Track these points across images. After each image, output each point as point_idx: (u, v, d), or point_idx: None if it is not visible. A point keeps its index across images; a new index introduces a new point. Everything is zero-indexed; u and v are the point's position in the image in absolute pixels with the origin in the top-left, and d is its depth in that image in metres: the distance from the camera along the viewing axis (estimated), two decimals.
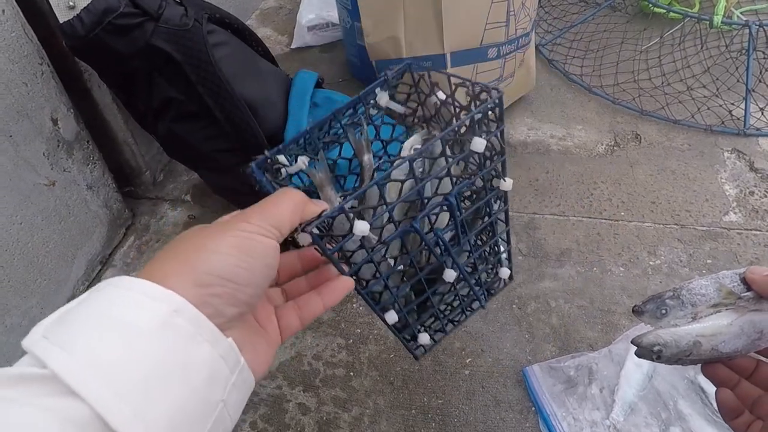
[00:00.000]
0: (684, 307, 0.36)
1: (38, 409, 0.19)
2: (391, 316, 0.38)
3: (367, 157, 0.36)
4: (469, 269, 0.43)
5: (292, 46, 1.25)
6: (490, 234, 0.43)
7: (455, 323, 0.46)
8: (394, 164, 0.33)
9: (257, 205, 0.28)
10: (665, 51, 1.11)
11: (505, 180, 0.38)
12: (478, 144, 0.33)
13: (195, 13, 0.61)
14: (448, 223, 0.37)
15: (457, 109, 0.38)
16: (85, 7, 0.56)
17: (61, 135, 0.70)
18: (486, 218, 0.40)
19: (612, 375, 0.62)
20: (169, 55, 0.59)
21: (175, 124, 0.67)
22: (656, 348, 0.36)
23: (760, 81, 1.03)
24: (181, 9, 0.61)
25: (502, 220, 0.42)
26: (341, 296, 0.32)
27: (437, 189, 0.35)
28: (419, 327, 0.43)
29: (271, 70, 0.74)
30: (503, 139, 0.36)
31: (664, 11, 1.16)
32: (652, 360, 0.36)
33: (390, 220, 0.34)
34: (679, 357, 0.36)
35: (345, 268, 0.33)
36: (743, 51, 1.06)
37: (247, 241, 0.26)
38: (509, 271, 0.46)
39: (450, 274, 0.38)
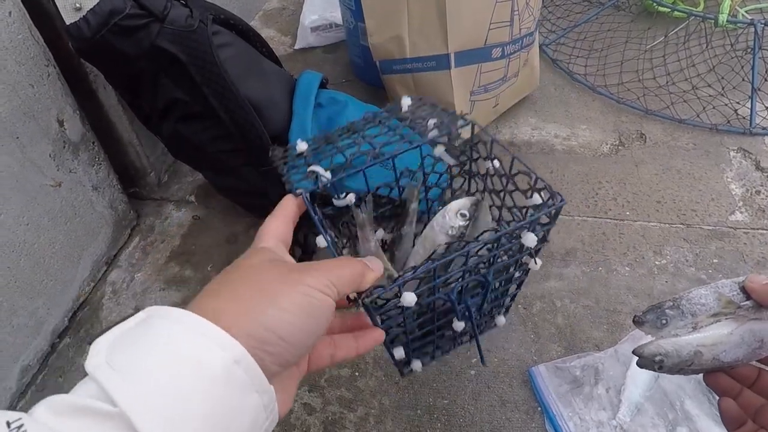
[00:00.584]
0: (684, 317, 0.36)
1: None
2: (399, 352, 0.40)
3: (414, 206, 0.38)
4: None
5: (296, 47, 1.25)
6: (503, 294, 0.46)
7: (445, 352, 0.49)
8: (452, 246, 0.34)
9: (321, 262, 0.29)
10: (670, 50, 1.10)
11: (536, 262, 0.40)
12: (530, 240, 0.35)
13: (200, 14, 0.62)
14: (477, 293, 0.40)
15: (509, 185, 0.41)
16: (91, 9, 0.56)
17: (67, 136, 0.70)
18: (504, 283, 0.43)
19: (618, 375, 0.62)
20: (175, 56, 0.60)
21: (179, 124, 0.67)
22: (658, 358, 0.36)
23: (765, 80, 1.03)
24: (186, 10, 0.62)
25: (517, 285, 0.46)
26: (372, 346, 0.34)
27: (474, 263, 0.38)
28: (415, 355, 0.46)
29: (275, 70, 0.74)
30: (549, 233, 0.39)
31: (669, 10, 1.16)
32: (654, 370, 0.36)
33: (432, 291, 0.35)
34: (681, 367, 0.36)
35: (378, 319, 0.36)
36: (749, 50, 1.05)
37: (309, 299, 0.26)
38: (504, 320, 0.49)
39: (459, 326, 0.41)
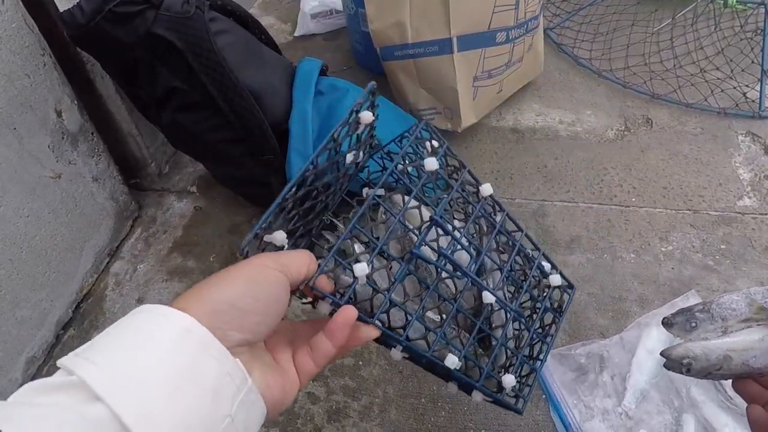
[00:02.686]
0: (714, 321, 0.36)
1: (69, 412, 0.21)
2: (451, 360, 0.37)
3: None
4: (513, 290, 0.45)
5: (296, 34, 1.23)
6: (511, 246, 0.45)
7: (540, 359, 0.46)
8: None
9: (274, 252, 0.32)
10: (677, 33, 1.08)
11: (482, 185, 0.44)
12: (430, 163, 0.39)
13: (196, 1, 0.60)
14: (451, 242, 0.39)
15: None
16: None
17: (66, 127, 0.70)
18: (494, 229, 0.44)
19: (623, 362, 0.61)
20: (171, 44, 0.59)
21: (178, 114, 0.67)
22: (686, 361, 0.36)
23: None
24: None
25: (515, 230, 0.46)
26: (343, 325, 0.32)
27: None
28: (498, 370, 0.42)
29: (274, 58, 0.73)
30: (455, 154, 0.43)
31: None
32: (682, 373, 0.36)
33: (390, 257, 0.36)
34: (709, 371, 0.35)
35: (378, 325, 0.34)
36: (758, 31, 1.03)
37: (255, 271, 0.29)
38: (559, 276, 0.48)
39: (488, 296, 0.40)
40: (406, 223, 0.38)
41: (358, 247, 0.36)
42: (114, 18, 0.56)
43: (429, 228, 0.38)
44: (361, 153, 0.42)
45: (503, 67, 0.88)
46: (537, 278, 0.48)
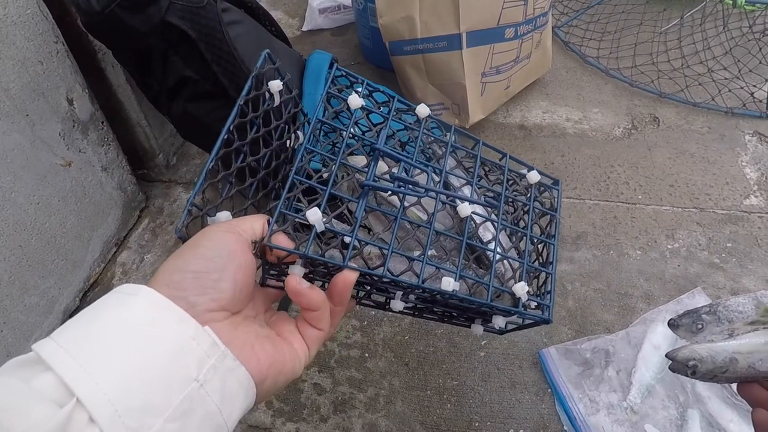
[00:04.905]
0: (720, 323, 0.36)
1: (19, 381, 0.22)
2: (447, 282, 0.34)
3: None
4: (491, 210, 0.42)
5: (303, 29, 1.23)
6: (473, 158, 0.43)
7: (551, 262, 0.42)
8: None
9: None
10: (685, 32, 1.08)
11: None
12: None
13: None
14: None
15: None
16: None
17: (77, 115, 0.70)
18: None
19: (629, 357, 0.62)
20: (184, 33, 0.59)
21: (189, 104, 0.67)
22: (691, 363, 0.35)
23: None
24: None
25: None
26: (343, 291, 0.32)
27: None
28: (506, 283, 0.38)
29: (285, 50, 0.73)
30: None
31: None
32: (687, 375, 0.36)
33: (344, 200, 0.34)
34: (715, 373, 0.35)
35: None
36: (766, 32, 1.03)
37: (203, 236, 0.29)
38: (537, 173, 0.46)
39: (464, 208, 0.37)
40: (352, 162, 0.36)
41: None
42: (129, 6, 0.56)
43: (375, 160, 0.36)
44: (300, 134, 0.40)
45: (511, 63, 0.89)
46: (512, 180, 0.45)
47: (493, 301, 0.36)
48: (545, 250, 0.44)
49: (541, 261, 0.44)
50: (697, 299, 0.67)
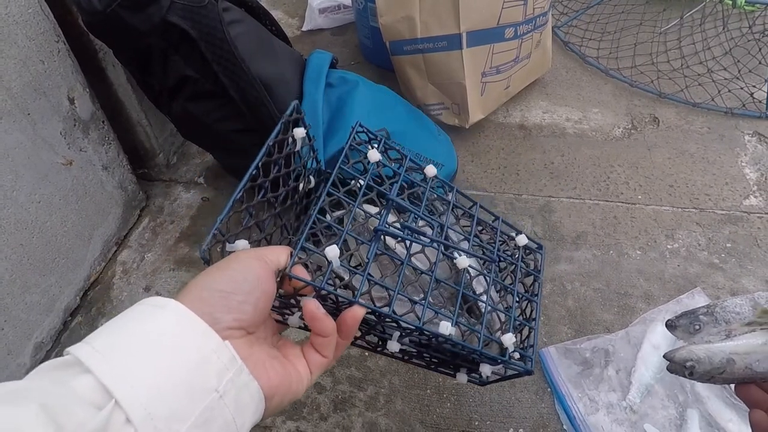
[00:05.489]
0: (718, 324, 0.36)
1: (56, 383, 0.23)
2: (444, 326, 0.36)
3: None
4: (484, 264, 0.46)
5: (303, 29, 1.23)
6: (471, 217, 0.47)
7: (534, 318, 0.46)
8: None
9: None
10: (685, 33, 1.08)
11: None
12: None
13: None
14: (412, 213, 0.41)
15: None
16: None
17: (78, 114, 0.70)
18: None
19: (629, 357, 0.62)
20: (185, 32, 0.59)
21: (190, 103, 0.67)
22: (689, 364, 0.35)
23: None
24: None
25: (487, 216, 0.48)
26: (352, 326, 0.34)
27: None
28: (494, 333, 0.42)
29: (285, 49, 0.73)
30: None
31: None
32: (684, 376, 0.36)
33: (359, 242, 0.37)
34: (712, 374, 0.35)
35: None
36: (766, 32, 1.03)
37: (233, 259, 0.31)
38: (525, 237, 0.50)
39: (462, 260, 0.40)
40: (365, 209, 0.40)
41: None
42: (130, 5, 0.56)
43: (387, 209, 0.40)
44: (311, 178, 0.44)
45: (511, 63, 0.89)
46: (503, 241, 0.49)
47: (483, 349, 0.39)
48: (528, 306, 0.48)
49: (524, 317, 0.47)
50: (697, 299, 0.68)
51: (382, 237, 0.38)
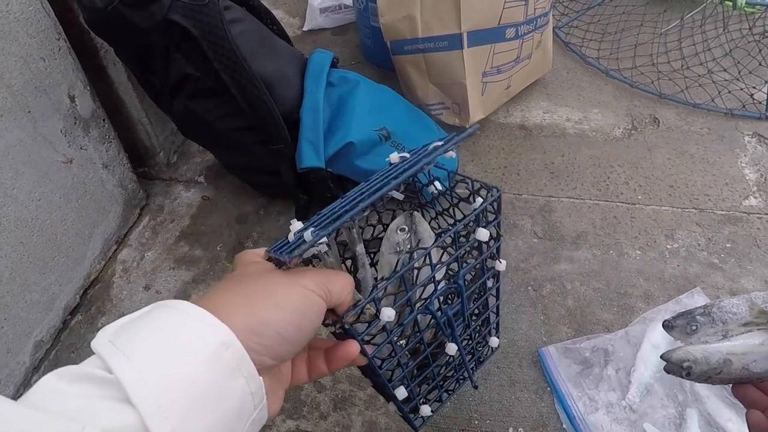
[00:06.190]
0: (715, 324, 0.36)
1: (94, 406, 0.21)
2: (401, 392, 0.40)
3: (359, 248, 0.39)
4: (465, 341, 0.46)
5: (304, 29, 1.23)
6: (484, 308, 0.46)
7: (450, 393, 0.49)
8: (416, 255, 0.36)
9: (317, 269, 0.31)
10: (685, 34, 1.08)
11: (500, 262, 0.42)
12: (483, 234, 0.37)
13: None
14: (454, 301, 0.41)
15: (455, 200, 0.42)
16: None
17: (78, 112, 0.70)
18: (482, 294, 0.44)
19: (628, 356, 0.62)
20: (186, 30, 0.59)
21: (191, 101, 0.67)
22: (686, 364, 0.35)
23: None
24: None
25: (494, 295, 0.46)
26: (344, 361, 0.33)
27: (444, 274, 0.40)
28: (421, 400, 0.45)
29: (286, 48, 0.73)
30: (500, 227, 0.41)
31: None
32: (681, 377, 0.36)
33: (408, 304, 0.36)
34: (709, 375, 0.35)
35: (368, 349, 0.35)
36: (766, 34, 1.03)
37: (305, 300, 0.28)
38: (497, 340, 0.50)
39: (452, 348, 0.41)
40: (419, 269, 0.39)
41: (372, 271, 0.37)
42: (131, 3, 0.56)
43: (448, 289, 0.39)
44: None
45: (512, 63, 0.89)
46: (482, 337, 0.49)
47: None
48: (454, 383, 0.49)
49: (447, 388, 0.48)
50: (696, 299, 0.68)
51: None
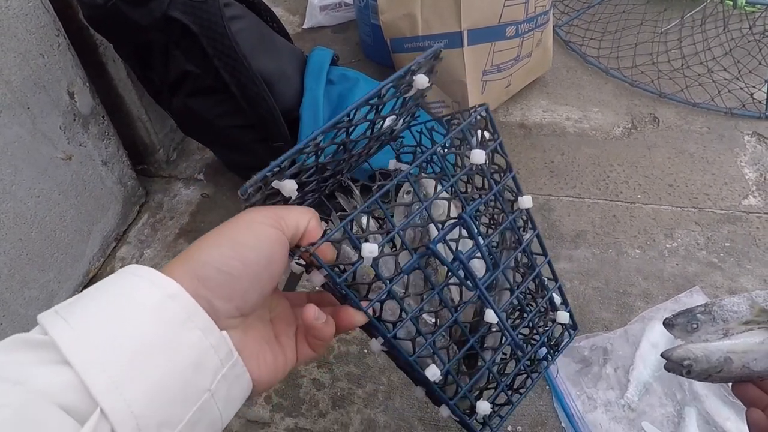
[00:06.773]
0: (715, 323, 0.36)
1: (31, 370, 0.20)
2: (433, 371, 0.33)
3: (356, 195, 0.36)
4: (516, 315, 0.40)
5: (304, 26, 1.23)
6: (528, 268, 0.40)
7: (520, 392, 0.42)
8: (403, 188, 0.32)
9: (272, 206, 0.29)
10: (685, 33, 1.08)
11: (522, 196, 0.36)
12: (478, 156, 0.32)
13: None
14: (472, 248, 0.34)
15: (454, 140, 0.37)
16: None
17: (78, 109, 0.70)
18: (518, 246, 0.38)
19: (627, 355, 0.62)
20: (186, 27, 0.59)
21: (190, 98, 0.67)
22: (686, 362, 0.35)
23: None
24: None
25: (539, 254, 0.40)
26: (347, 328, 0.31)
27: (449, 212, 0.34)
28: (476, 393, 0.39)
29: (286, 45, 0.73)
30: (506, 153, 0.35)
31: None
32: (682, 375, 0.36)
33: (403, 245, 0.32)
34: (710, 373, 0.35)
35: (364, 306, 0.31)
36: (766, 33, 1.03)
37: (245, 229, 0.26)
38: (567, 315, 0.42)
39: (490, 315, 0.35)
40: (431, 213, 0.33)
41: (372, 223, 0.33)
42: (131, 0, 0.56)
43: (453, 226, 0.34)
44: (401, 120, 0.37)
45: (512, 62, 0.89)
46: (544, 309, 0.42)
47: (457, 404, 0.37)
48: (523, 378, 0.43)
49: (513, 385, 0.43)
50: (696, 298, 0.68)
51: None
